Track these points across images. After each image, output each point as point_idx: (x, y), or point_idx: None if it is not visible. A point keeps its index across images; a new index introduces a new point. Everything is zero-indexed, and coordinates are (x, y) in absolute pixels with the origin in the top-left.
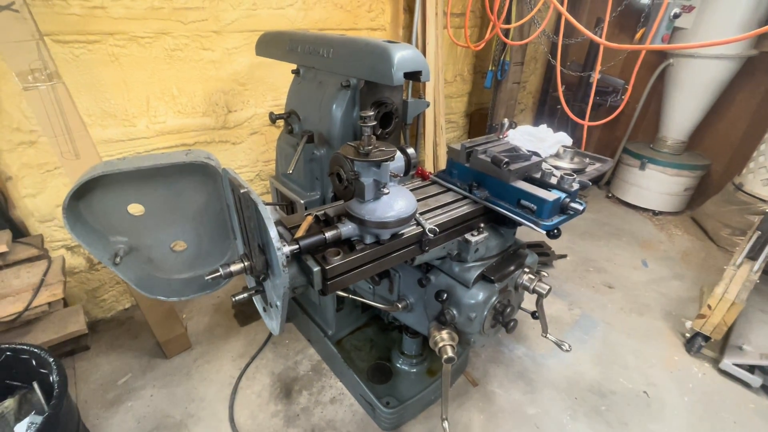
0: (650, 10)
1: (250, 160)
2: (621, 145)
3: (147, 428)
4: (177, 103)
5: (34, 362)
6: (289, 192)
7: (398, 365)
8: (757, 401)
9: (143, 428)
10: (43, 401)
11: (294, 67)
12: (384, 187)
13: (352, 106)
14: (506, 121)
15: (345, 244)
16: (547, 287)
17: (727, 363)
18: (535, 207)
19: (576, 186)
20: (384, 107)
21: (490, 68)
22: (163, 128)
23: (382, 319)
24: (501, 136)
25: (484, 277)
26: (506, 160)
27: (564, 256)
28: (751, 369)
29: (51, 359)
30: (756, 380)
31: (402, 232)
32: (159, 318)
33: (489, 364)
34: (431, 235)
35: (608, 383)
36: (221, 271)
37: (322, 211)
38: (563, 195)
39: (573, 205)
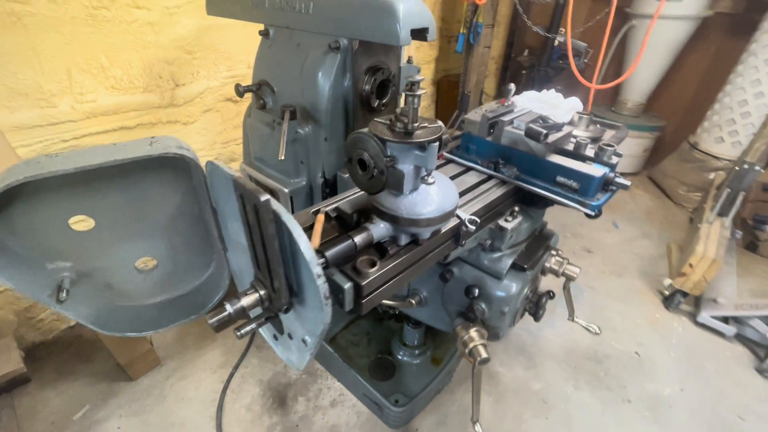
0: None
1: (206, 142)
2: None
3: None
4: (109, 77)
5: None
6: (268, 179)
7: (400, 357)
8: (732, 348)
9: None
10: None
11: (261, 27)
12: (429, 175)
13: (343, 73)
14: (512, 86)
15: (372, 248)
16: (577, 269)
17: (704, 316)
18: (578, 185)
19: (615, 159)
20: (380, 74)
21: (461, 31)
22: (94, 108)
23: (375, 309)
24: (507, 104)
25: (514, 266)
26: (544, 131)
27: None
28: (725, 319)
29: None
30: (730, 329)
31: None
32: (117, 337)
33: (487, 343)
34: (472, 226)
35: (602, 348)
36: (230, 310)
37: (332, 205)
38: (607, 169)
39: (618, 180)
